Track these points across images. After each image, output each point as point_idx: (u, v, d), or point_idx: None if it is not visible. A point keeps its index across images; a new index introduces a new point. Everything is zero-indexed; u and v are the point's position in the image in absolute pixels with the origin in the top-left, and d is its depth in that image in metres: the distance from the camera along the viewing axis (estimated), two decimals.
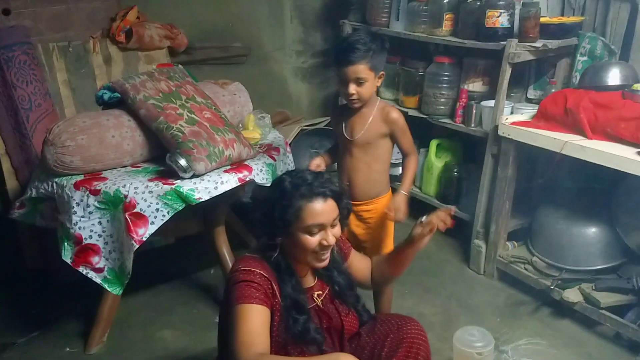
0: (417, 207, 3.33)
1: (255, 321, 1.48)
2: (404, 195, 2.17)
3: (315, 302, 1.68)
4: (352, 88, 2.07)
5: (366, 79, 2.06)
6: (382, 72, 2.11)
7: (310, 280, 1.72)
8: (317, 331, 1.60)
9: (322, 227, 1.56)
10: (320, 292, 1.71)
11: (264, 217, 1.59)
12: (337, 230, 1.62)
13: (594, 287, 2.41)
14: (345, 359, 1.36)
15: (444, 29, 2.95)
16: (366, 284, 1.87)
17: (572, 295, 2.41)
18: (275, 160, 2.45)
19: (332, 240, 1.57)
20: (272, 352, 1.50)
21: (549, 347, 2.29)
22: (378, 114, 2.17)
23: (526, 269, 2.67)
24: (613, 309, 2.33)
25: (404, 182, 2.20)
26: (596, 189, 2.66)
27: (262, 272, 1.55)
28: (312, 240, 1.56)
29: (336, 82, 2.20)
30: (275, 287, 1.57)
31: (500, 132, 2.62)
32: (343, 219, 1.67)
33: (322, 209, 1.55)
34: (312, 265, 1.63)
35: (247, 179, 2.25)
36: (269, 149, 2.52)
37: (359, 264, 1.85)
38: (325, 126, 3.66)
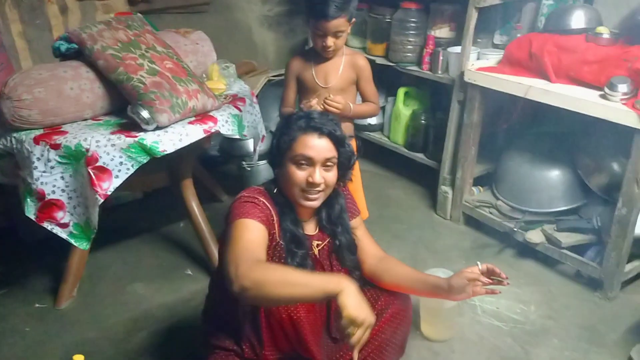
0: (386, 156, 3.40)
1: (254, 234, 1.49)
2: (347, 103, 2.16)
3: (312, 250, 1.68)
4: (331, 41, 2.07)
5: (344, 31, 2.07)
6: (354, 19, 2.10)
7: (311, 229, 1.72)
8: (312, 267, 1.63)
9: (310, 161, 1.57)
10: (319, 242, 1.71)
11: (269, 148, 1.68)
12: (332, 175, 1.61)
13: (555, 228, 2.49)
14: (346, 282, 1.33)
15: None
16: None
17: (535, 236, 2.49)
18: (241, 111, 2.40)
19: (318, 179, 1.57)
20: None
21: (512, 286, 2.36)
22: (347, 60, 2.19)
23: (491, 213, 2.73)
24: (574, 248, 2.42)
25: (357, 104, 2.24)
26: (559, 133, 2.70)
27: (264, 200, 1.58)
28: (299, 174, 1.57)
29: (307, 32, 2.16)
30: (275, 218, 1.59)
31: (466, 78, 2.62)
32: (344, 169, 1.66)
33: (314, 143, 1.56)
34: (300, 202, 1.62)
35: (213, 130, 2.22)
36: (235, 100, 2.48)
37: (361, 242, 1.79)
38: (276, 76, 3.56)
